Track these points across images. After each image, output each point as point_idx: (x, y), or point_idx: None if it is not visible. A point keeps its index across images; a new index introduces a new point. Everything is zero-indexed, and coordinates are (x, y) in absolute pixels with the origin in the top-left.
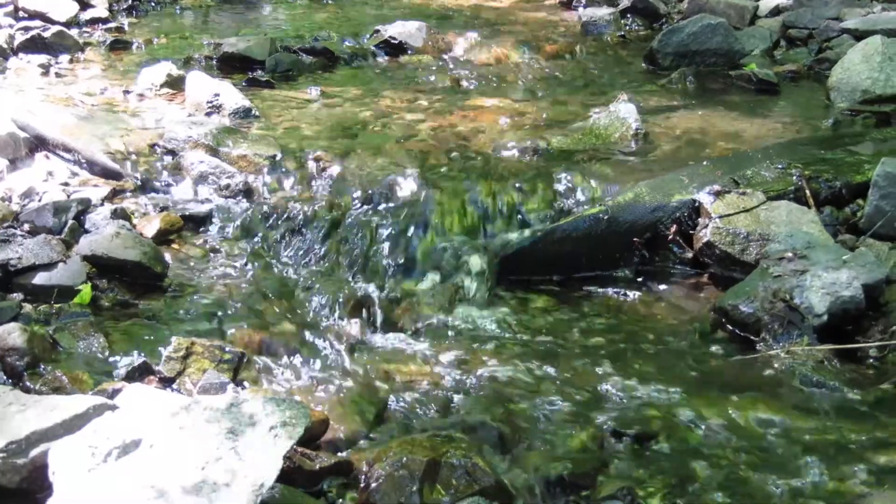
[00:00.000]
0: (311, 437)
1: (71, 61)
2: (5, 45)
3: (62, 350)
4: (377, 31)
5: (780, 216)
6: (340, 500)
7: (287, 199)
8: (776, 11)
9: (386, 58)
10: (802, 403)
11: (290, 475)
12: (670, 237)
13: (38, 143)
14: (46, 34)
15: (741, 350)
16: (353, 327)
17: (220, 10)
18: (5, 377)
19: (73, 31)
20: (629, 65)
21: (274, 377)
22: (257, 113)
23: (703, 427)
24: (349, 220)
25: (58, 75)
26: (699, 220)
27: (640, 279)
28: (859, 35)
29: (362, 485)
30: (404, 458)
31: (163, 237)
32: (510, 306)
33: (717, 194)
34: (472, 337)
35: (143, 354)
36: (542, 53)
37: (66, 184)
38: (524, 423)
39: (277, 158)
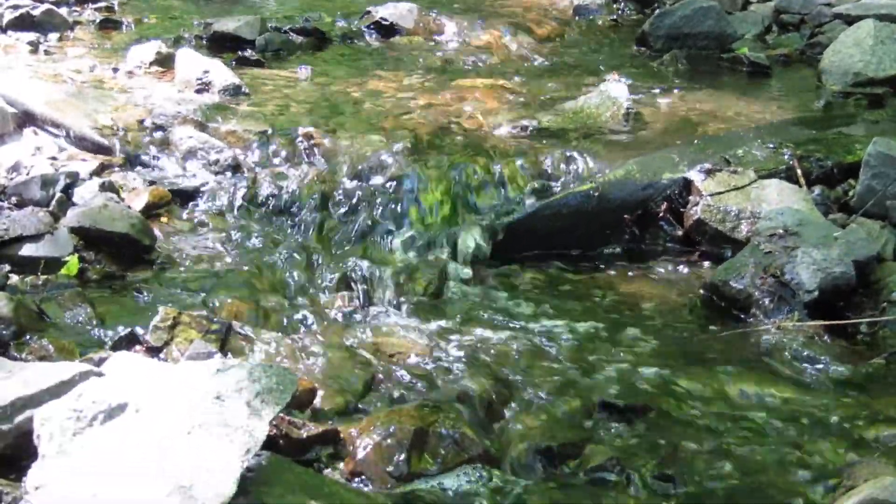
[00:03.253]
0: (299, 406)
1: (60, 39)
2: None
3: (49, 320)
4: (368, 12)
5: (771, 194)
6: (328, 469)
7: (276, 174)
8: None
9: (377, 39)
10: (792, 377)
11: (277, 443)
12: (661, 215)
13: (27, 119)
14: (35, 12)
15: (731, 326)
16: (342, 300)
17: None
18: None
19: (63, 10)
20: (621, 47)
21: (261, 348)
22: (247, 90)
23: (692, 400)
24: (338, 195)
25: (47, 53)
26: (690, 197)
27: (630, 256)
28: (851, 20)
29: (350, 453)
30: (392, 428)
31: (151, 211)
32: (499, 281)
33: (708, 172)
34: (461, 311)
35: (130, 324)
36: (534, 36)
37: (55, 158)
38: (513, 395)
39: (267, 134)
